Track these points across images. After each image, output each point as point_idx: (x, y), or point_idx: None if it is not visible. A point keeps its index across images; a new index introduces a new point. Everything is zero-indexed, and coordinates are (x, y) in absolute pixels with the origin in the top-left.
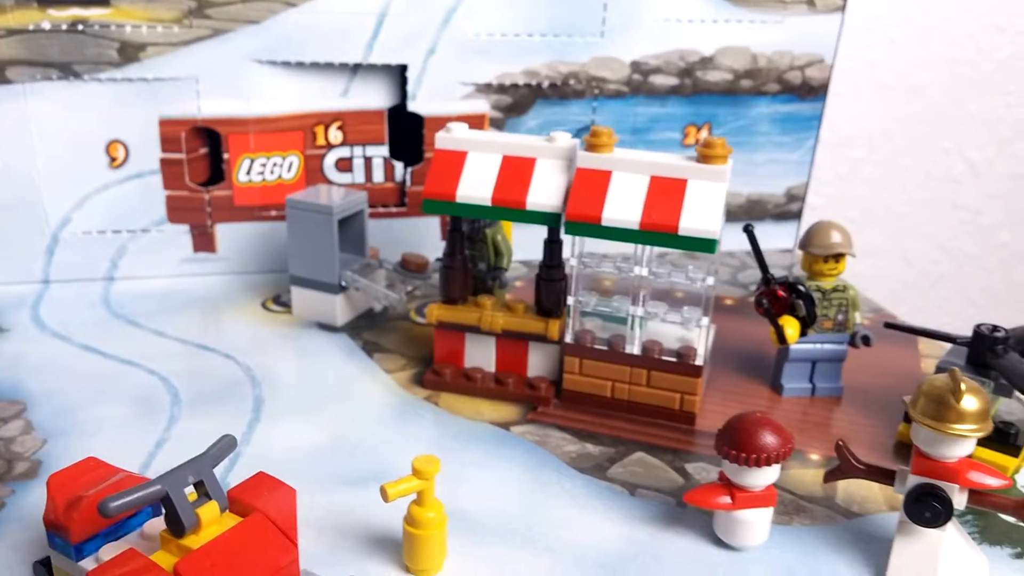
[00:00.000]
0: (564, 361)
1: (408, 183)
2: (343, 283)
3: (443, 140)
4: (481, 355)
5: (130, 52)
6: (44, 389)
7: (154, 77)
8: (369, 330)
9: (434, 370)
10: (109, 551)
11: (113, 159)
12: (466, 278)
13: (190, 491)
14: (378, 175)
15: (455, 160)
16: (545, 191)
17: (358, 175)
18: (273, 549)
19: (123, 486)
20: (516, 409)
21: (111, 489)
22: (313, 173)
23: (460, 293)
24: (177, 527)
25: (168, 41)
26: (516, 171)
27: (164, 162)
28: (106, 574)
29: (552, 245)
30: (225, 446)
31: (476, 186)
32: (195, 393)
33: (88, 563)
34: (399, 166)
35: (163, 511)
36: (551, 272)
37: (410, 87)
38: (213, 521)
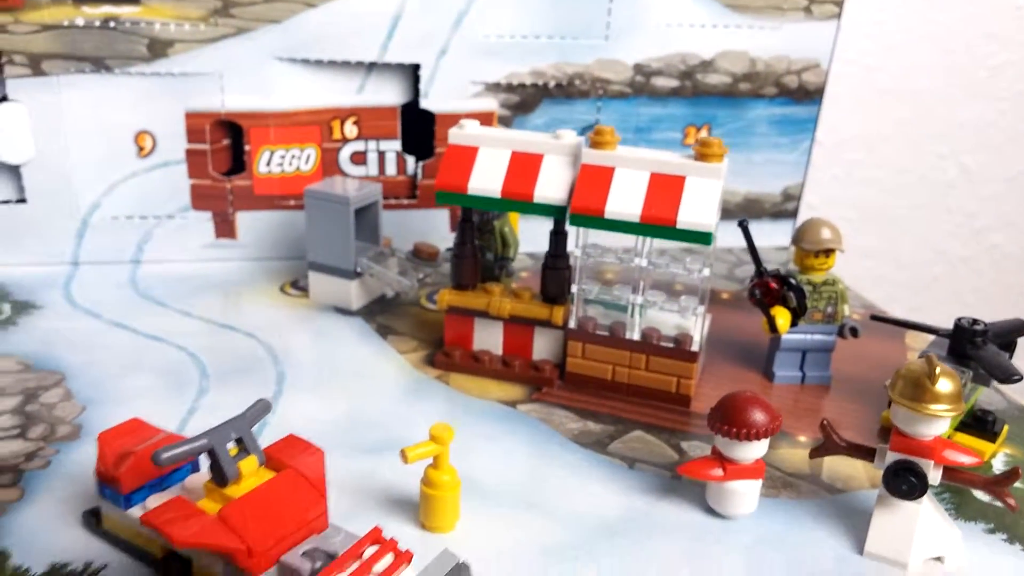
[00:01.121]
0: (568, 345)
1: (419, 176)
2: (358, 269)
3: (456, 136)
4: (489, 339)
5: (159, 48)
6: (79, 361)
7: (181, 72)
8: (382, 314)
9: (444, 352)
10: (155, 500)
11: (141, 149)
12: (476, 266)
13: (231, 447)
14: (391, 168)
15: (467, 155)
16: (551, 185)
17: (372, 168)
18: (305, 502)
19: (165, 444)
20: (522, 389)
21: (155, 446)
22: (329, 165)
23: (470, 280)
24: (221, 477)
25: (194, 38)
26: (524, 166)
27: (189, 152)
28: (160, 516)
29: (557, 236)
30: (261, 408)
31: (487, 179)
32: (221, 368)
33: (135, 511)
34: (411, 160)
35: (209, 463)
36: (556, 261)
37: (422, 85)
38: (252, 474)
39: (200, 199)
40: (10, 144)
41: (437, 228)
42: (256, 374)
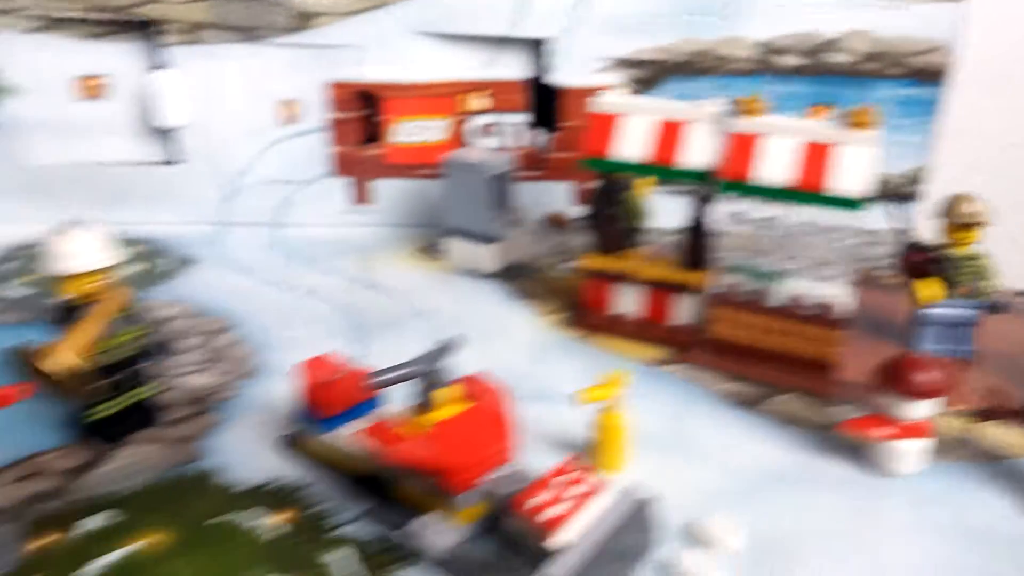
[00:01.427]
0: (710, 311)
1: (547, 150)
2: (494, 235)
3: (599, 104)
4: (627, 303)
5: (305, 20)
6: (241, 311)
7: (325, 43)
8: (517, 279)
9: (583, 314)
10: (352, 427)
11: (286, 116)
12: (614, 231)
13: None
14: (519, 141)
15: (611, 123)
16: (696, 151)
17: (501, 140)
18: (496, 433)
19: (358, 375)
20: (662, 353)
21: (351, 377)
22: (460, 137)
23: (610, 244)
24: (423, 404)
25: (338, 11)
26: (668, 133)
27: (330, 121)
28: (374, 436)
29: (701, 203)
30: (450, 345)
31: (632, 146)
32: (369, 322)
33: (334, 435)
34: (539, 133)
35: (407, 393)
36: (699, 227)
37: (550, 60)
38: (448, 403)
39: (340, 166)
40: (168, 109)
41: (562, 200)
42: (403, 328)
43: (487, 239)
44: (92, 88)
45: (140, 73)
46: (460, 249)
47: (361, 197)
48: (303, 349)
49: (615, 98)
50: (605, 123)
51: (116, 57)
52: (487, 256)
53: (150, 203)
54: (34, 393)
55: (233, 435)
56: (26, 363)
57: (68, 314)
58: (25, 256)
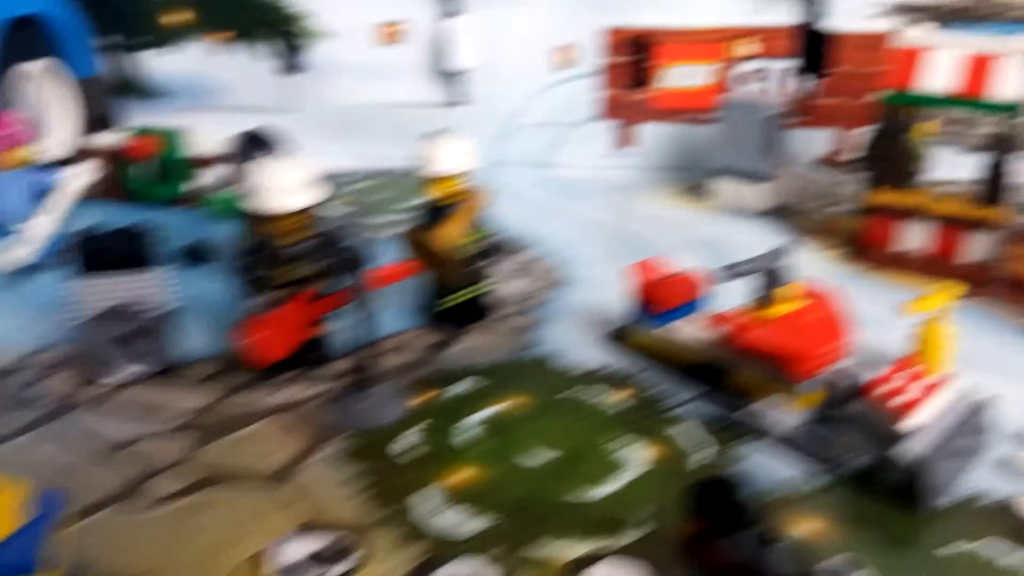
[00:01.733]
0: (1007, 248)
1: (814, 95)
2: (767, 174)
3: (902, 39)
4: (912, 239)
5: None
6: (531, 235)
7: None
8: (788, 218)
9: (865, 250)
10: (680, 324)
11: (561, 61)
12: (893, 171)
13: None
14: (785, 86)
15: (916, 57)
16: (1006, 84)
17: (767, 85)
18: (832, 329)
19: (682, 278)
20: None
21: (681, 277)
22: (727, 82)
23: (894, 180)
24: (764, 299)
25: None
26: (977, 66)
27: (603, 66)
28: (722, 323)
29: (1004, 138)
30: (785, 248)
31: (938, 79)
32: (652, 250)
33: (663, 329)
34: (806, 78)
35: (753, 287)
36: (1000, 162)
37: (821, 6)
38: (790, 298)
39: (607, 110)
40: (459, 54)
41: (827, 145)
42: (684, 256)
43: (759, 178)
44: (391, 34)
45: (435, 20)
46: (729, 188)
47: (626, 140)
48: (599, 267)
49: (920, 33)
50: (909, 58)
51: (414, 5)
52: (758, 195)
53: None
54: (416, 273)
55: (559, 330)
56: (413, 245)
57: (437, 211)
58: (331, 184)
